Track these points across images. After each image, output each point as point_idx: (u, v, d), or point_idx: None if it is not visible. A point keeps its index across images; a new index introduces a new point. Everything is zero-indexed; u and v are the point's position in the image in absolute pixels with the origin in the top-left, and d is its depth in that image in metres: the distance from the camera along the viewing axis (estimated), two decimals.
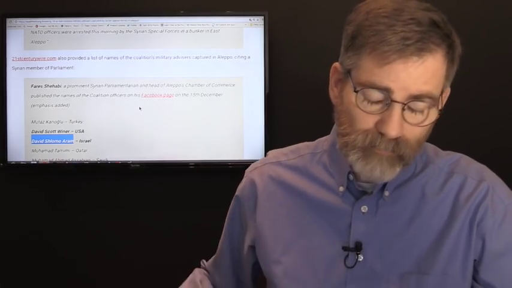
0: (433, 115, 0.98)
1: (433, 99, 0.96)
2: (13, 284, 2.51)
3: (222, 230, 1.32)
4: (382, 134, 0.97)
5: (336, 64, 1.06)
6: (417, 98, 0.95)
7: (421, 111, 0.97)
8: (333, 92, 1.08)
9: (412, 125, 0.97)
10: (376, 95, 0.96)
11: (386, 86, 0.95)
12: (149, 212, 2.55)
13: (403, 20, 0.94)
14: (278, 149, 1.26)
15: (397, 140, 0.97)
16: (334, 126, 1.16)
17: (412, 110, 0.97)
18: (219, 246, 1.33)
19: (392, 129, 0.95)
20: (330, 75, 1.08)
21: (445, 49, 0.97)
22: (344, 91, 1.03)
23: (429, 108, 0.97)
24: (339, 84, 1.06)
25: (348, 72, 1.01)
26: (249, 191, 1.22)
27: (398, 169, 1.01)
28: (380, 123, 0.97)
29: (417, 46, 0.93)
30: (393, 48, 0.93)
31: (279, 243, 1.15)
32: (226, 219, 1.30)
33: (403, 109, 0.95)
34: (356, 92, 0.97)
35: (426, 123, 0.98)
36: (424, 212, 1.08)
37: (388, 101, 0.95)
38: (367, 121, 0.98)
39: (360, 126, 0.99)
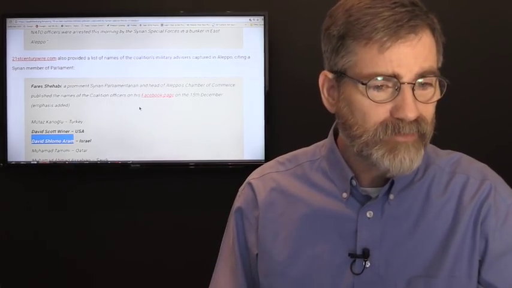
0: (439, 89, 1.01)
1: (435, 74, 1.00)
2: (13, 284, 2.51)
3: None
4: (400, 120, 0.98)
5: (325, 72, 1.06)
6: (422, 75, 0.98)
7: (428, 88, 1.00)
8: (328, 101, 1.08)
9: (424, 103, 0.99)
10: (384, 82, 0.98)
11: (392, 71, 0.96)
12: (149, 212, 2.55)
13: (386, 5, 0.98)
14: (274, 160, 1.23)
15: (417, 120, 0.99)
16: (331, 131, 1.15)
17: (420, 88, 0.99)
18: (219, 273, 1.21)
19: (410, 111, 0.97)
20: (320, 85, 1.08)
21: (431, 24, 1.00)
22: (345, 93, 1.02)
23: (434, 83, 1.00)
24: (333, 91, 1.06)
25: (343, 74, 1.01)
26: (250, 202, 1.18)
27: (423, 151, 1.02)
28: (395, 109, 0.98)
29: (410, 24, 0.97)
30: (389, 33, 0.96)
31: (283, 255, 1.12)
32: (230, 237, 1.21)
33: (413, 89, 0.97)
34: (364, 84, 0.98)
35: (435, 98, 1.01)
36: (428, 214, 1.07)
37: (397, 85, 0.97)
38: (381, 112, 0.99)
39: (375, 120, 0.99)
